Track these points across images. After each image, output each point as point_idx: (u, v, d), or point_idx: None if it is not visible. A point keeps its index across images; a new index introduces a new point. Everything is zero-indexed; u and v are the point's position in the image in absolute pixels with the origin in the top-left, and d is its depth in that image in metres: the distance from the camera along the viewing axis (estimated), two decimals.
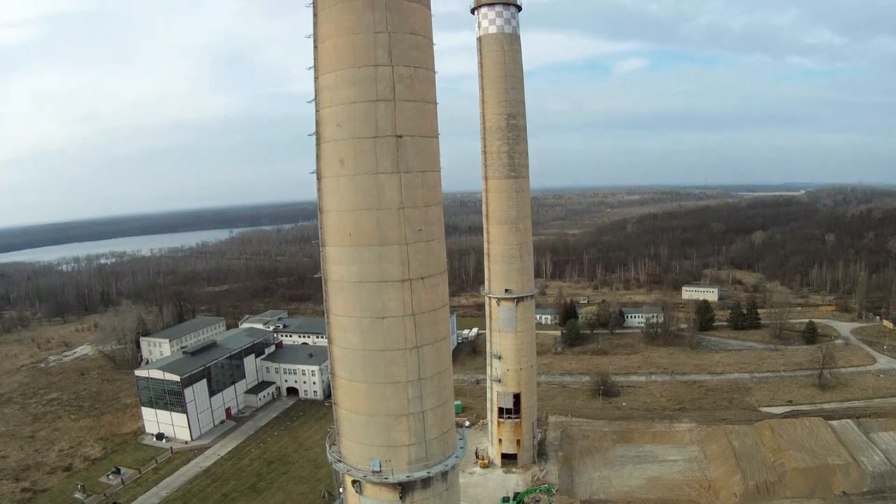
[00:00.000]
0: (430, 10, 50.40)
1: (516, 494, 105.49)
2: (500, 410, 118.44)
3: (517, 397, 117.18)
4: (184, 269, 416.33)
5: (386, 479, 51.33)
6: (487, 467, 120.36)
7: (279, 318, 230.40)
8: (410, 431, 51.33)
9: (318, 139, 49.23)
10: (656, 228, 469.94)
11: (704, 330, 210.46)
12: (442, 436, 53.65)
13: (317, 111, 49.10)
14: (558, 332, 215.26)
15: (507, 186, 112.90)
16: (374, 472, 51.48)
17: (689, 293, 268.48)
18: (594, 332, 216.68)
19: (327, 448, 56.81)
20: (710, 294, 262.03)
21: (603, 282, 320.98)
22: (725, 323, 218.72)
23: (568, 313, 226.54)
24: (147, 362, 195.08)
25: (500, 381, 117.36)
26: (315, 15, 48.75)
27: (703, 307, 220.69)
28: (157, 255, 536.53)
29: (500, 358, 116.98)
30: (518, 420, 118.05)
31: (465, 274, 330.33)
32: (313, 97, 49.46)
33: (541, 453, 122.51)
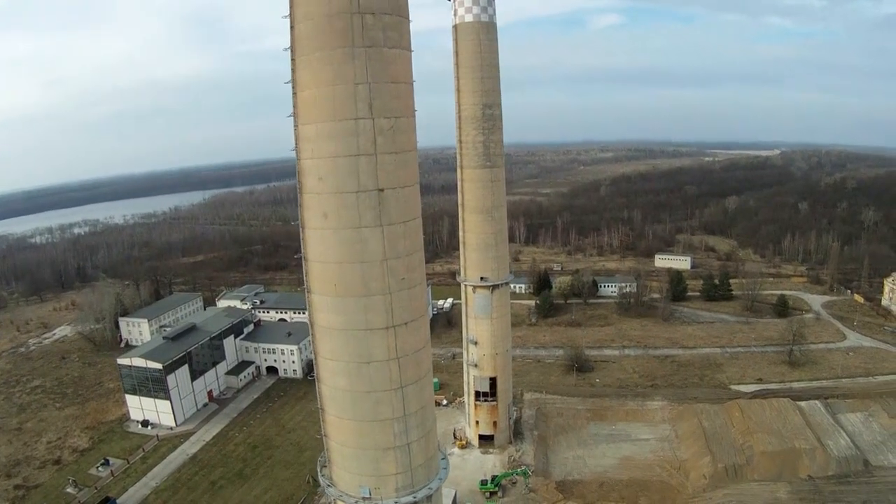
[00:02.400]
0: (410, 52, 49.92)
1: (494, 477, 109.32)
2: (477, 394, 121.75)
3: (493, 381, 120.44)
4: (158, 240, 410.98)
5: None
6: (465, 448, 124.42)
7: (256, 294, 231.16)
8: (397, 462, 54.37)
9: (300, 188, 49.86)
10: (630, 191, 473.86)
11: (677, 300, 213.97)
12: (426, 462, 57.00)
13: (298, 160, 49.49)
14: (532, 303, 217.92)
15: (482, 176, 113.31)
16: (364, 498, 54.80)
17: (663, 261, 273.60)
18: (568, 301, 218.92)
19: (318, 470, 59.69)
20: (683, 263, 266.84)
21: (576, 247, 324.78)
22: (698, 293, 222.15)
23: (542, 283, 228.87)
24: (126, 343, 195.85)
25: (476, 365, 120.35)
26: (293, 60, 48.10)
27: (676, 278, 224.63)
28: (130, 222, 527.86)
29: (476, 343, 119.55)
30: (494, 403, 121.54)
31: (439, 239, 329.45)
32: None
33: (517, 433, 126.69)
